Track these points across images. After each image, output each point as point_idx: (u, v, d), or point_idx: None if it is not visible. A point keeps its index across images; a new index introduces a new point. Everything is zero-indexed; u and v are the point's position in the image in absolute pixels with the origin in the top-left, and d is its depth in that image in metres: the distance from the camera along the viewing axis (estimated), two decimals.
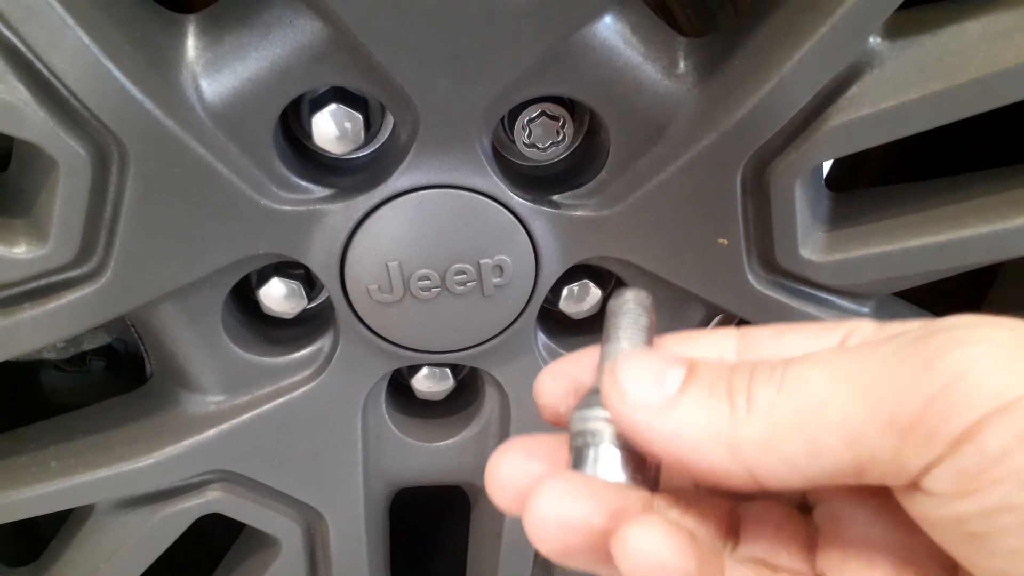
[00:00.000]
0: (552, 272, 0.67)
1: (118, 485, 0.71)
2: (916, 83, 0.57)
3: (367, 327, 0.67)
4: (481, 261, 0.64)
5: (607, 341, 0.44)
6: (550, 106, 0.64)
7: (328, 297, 0.68)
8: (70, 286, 0.61)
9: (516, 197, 0.63)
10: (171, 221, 0.60)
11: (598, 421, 0.40)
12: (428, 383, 0.77)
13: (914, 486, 0.34)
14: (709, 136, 0.59)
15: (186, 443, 0.71)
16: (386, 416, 0.76)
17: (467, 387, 0.79)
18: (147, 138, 0.56)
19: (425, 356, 0.70)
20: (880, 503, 0.39)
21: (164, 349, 0.70)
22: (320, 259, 0.64)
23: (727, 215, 0.63)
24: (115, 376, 0.94)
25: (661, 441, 0.38)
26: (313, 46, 0.56)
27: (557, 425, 0.45)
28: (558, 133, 0.64)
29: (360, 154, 0.65)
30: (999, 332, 0.34)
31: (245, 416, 0.71)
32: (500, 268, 0.65)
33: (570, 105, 0.64)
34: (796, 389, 0.36)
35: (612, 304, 0.45)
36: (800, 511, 0.43)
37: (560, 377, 0.45)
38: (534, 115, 0.64)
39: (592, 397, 0.41)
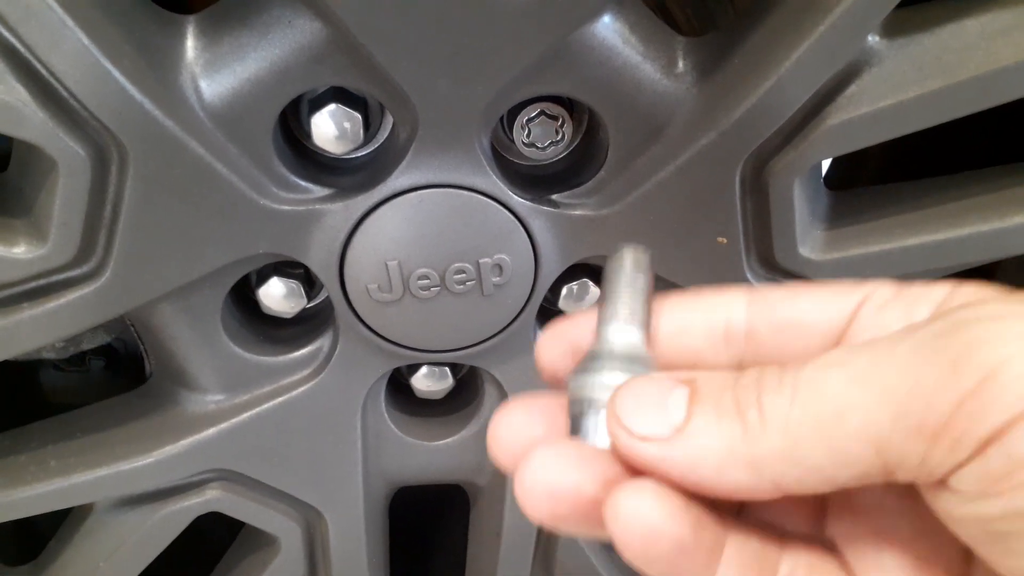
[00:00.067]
0: (551, 271, 0.67)
1: (117, 484, 0.71)
2: (915, 81, 0.57)
3: (366, 326, 0.67)
4: (480, 260, 0.65)
5: (604, 304, 0.43)
6: (549, 105, 0.64)
7: (327, 296, 0.68)
8: (70, 286, 0.61)
9: (515, 196, 0.63)
10: (170, 221, 0.60)
11: (594, 388, 0.40)
12: (427, 382, 0.77)
13: (939, 484, 0.33)
14: (708, 135, 0.59)
15: (185, 442, 0.71)
16: (386, 415, 0.76)
17: (466, 386, 0.79)
18: (146, 138, 0.56)
19: (424, 355, 0.70)
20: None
21: (163, 348, 0.70)
22: (319, 258, 0.64)
23: (726, 214, 0.63)
24: (114, 375, 0.94)
25: (677, 472, 0.36)
26: (312, 46, 0.56)
27: (557, 386, 0.44)
28: (557, 132, 0.64)
29: (359, 154, 0.65)
30: None
31: (244, 415, 0.71)
32: (499, 267, 0.65)
33: (569, 104, 0.64)
34: (812, 396, 0.34)
35: (609, 265, 0.44)
36: None
37: (560, 339, 0.44)
38: (533, 114, 0.64)
39: (588, 363, 0.41)
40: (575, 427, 0.40)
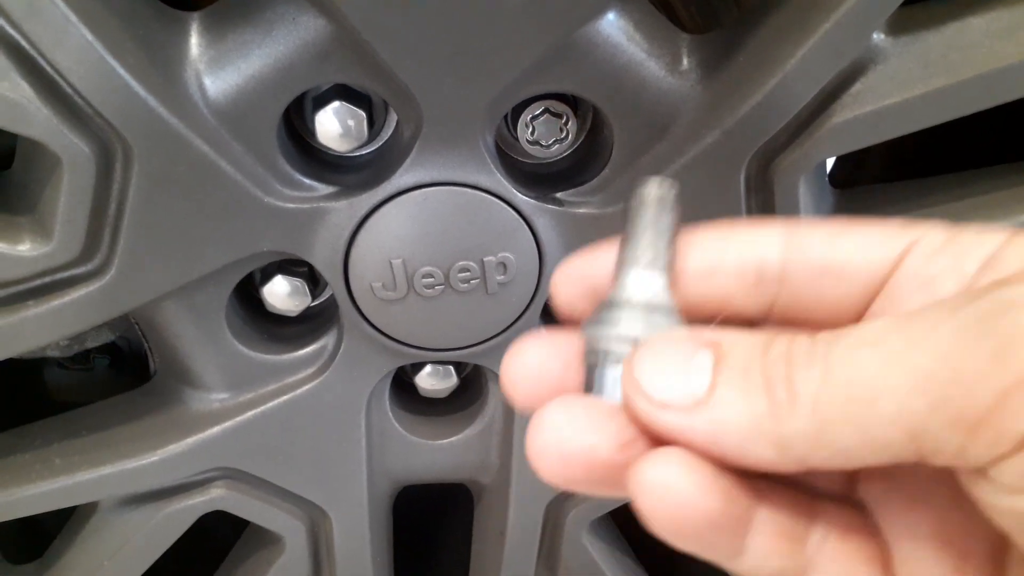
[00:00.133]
0: (555, 269, 0.66)
1: (122, 482, 0.72)
2: (920, 79, 0.57)
3: (371, 324, 0.67)
4: (485, 259, 0.64)
5: (625, 245, 0.40)
6: (553, 103, 0.63)
7: (332, 295, 0.68)
8: (74, 284, 0.61)
9: (520, 195, 0.63)
10: (175, 218, 0.60)
11: (611, 340, 0.37)
12: (432, 381, 0.77)
13: (978, 472, 0.32)
14: (713, 133, 0.59)
15: (190, 440, 0.71)
16: (390, 413, 0.76)
17: (471, 385, 0.79)
18: (151, 135, 0.56)
19: (429, 354, 0.70)
20: None
21: (168, 347, 0.70)
22: (324, 257, 0.64)
23: (731, 212, 0.63)
24: (118, 374, 0.95)
25: (697, 442, 0.34)
26: (316, 43, 0.56)
27: (573, 323, 0.41)
28: (561, 130, 0.64)
29: (363, 151, 0.65)
30: None
31: (249, 413, 0.71)
32: (504, 265, 0.65)
33: (573, 102, 0.64)
34: (843, 377, 0.32)
35: (632, 199, 0.40)
36: None
37: (575, 279, 0.42)
38: (537, 112, 0.64)
39: (605, 311, 0.38)
40: (590, 380, 0.38)
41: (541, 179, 0.66)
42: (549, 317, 0.72)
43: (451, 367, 0.77)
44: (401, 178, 0.62)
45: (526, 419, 0.73)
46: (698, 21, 0.72)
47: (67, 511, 0.77)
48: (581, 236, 0.65)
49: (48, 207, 0.58)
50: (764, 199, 0.62)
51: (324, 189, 0.62)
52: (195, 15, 0.58)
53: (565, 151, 0.66)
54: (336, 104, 0.61)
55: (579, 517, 0.80)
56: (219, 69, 0.57)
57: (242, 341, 0.70)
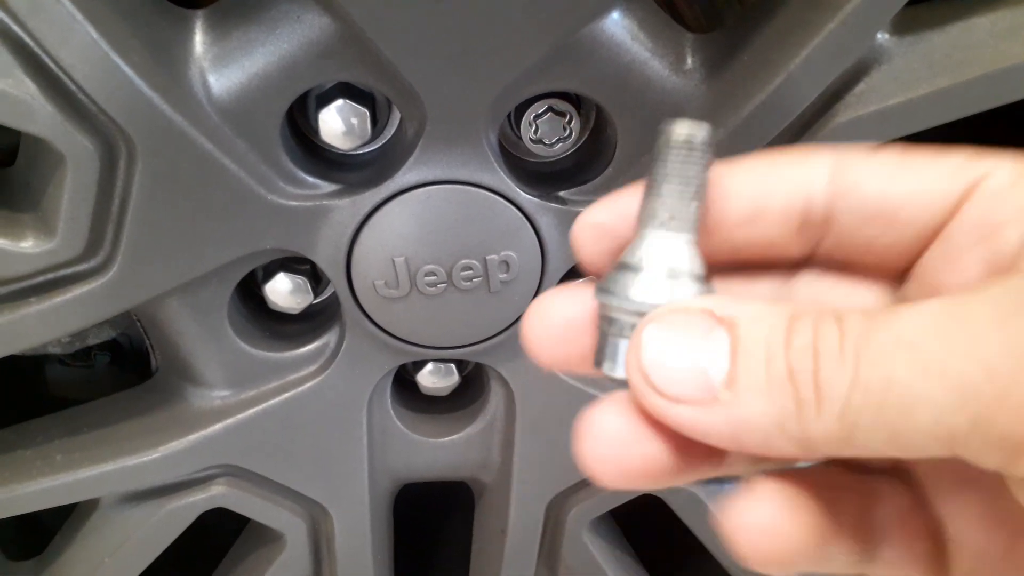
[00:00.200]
0: (558, 268, 0.67)
1: (123, 479, 0.71)
2: (924, 79, 0.57)
3: (373, 322, 0.67)
4: (487, 257, 0.64)
5: (647, 196, 0.36)
6: (557, 102, 0.63)
7: (334, 292, 0.68)
8: (77, 280, 0.61)
9: (523, 193, 0.63)
10: (178, 216, 0.60)
11: (623, 308, 0.34)
12: (433, 379, 0.77)
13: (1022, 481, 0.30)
14: (716, 132, 0.59)
15: (191, 438, 0.71)
16: (391, 412, 0.76)
17: (472, 383, 0.79)
18: (155, 133, 0.56)
19: (431, 352, 0.70)
20: None
21: (170, 344, 0.70)
22: (327, 255, 0.64)
23: None
24: (120, 371, 0.94)
25: (713, 437, 0.32)
26: (320, 42, 0.56)
27: (598, 274, 0.38)
28: (565, 129, 0.64)
29: (367, 150, 0.65)
30: None
31: (250, 411, 0.71)
32: (506, 264, 0.65)
33: (577, 101, 0.64)
34: (875, 382, 0.29)
35: (659, 142, 0.36)
36: None
37: (597, 232, 0.38)
38: (541, 111, 0.63)
39: (620, 273, 0.35)
40: (601, 349, 0.36)
41: (544, 178, 0.66)
42: None
43: (453, 365, 0.77)
44: (404, 176, 0.62)
45: (529, 417, 0.74)
46: (702, 20, 0.72)
47: (67, 508, 0.77)
48: None
49: (51, 204, 0.58)
50: None
51: (327, 187, 0.62)
52: (199, 13, 0.58)
53: (568, 150, 0.66)
54: (339, 102, 0.61)
55: (580, 516, 0.80)
56: (223, 67, 0.57)
57: (244, 338, 0.70)
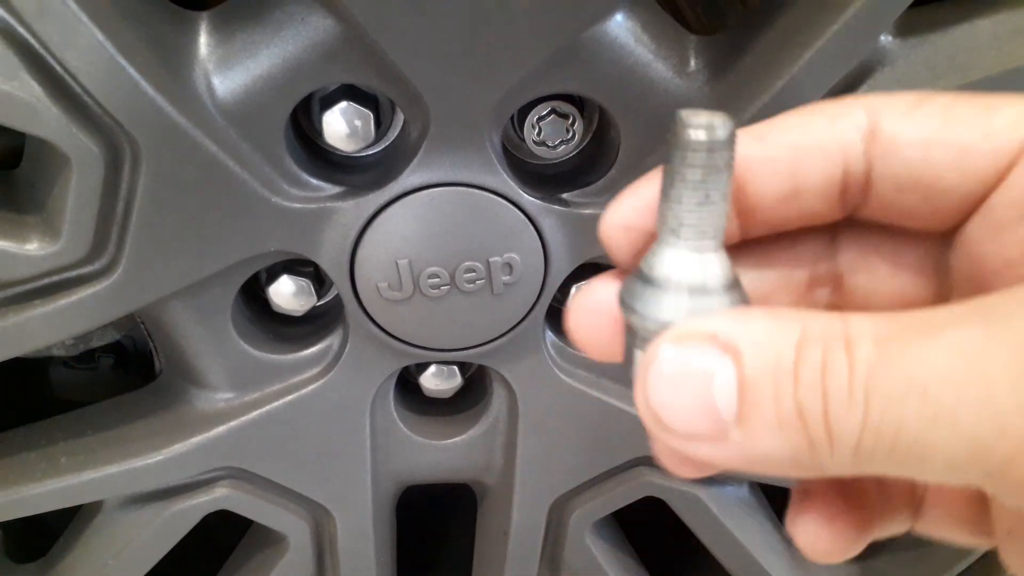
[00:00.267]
0: (561, 270, 0.67)
1: (127, 482, 0.72)
2: (927, 81, 0.57)
3: (376, 325, 0.67)
4: (491, 259, 0.65)
5: (664, 197, 0.33)
6: (560, 104, 0.64)
7: (337, 295, 0.68)
8: (81, 283, 0.61)
9: (526, 195, 0.63)
10: (182, 218, 0.60)
11: (639, 319, 0.33)
12: (436, 381, 0.77)
13: None
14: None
15: (195, 440, 0.71)
16: (394, 414, 0.76)
17: (475, 385, 0.79)
18: (159, 135, 0.56)
19: (434, 354, 0.70)
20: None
21: (174, 346, 0.70)
22: (330, 257, 0.64)
23: None
24: (124, 373, 0.95)
25: (730, 467, 0.31)
26: (325, 43, 0.56)
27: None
28: (568, 131, 0.64)
29: (370, 152, 0.65)
30: None
31: (254, 413, 0.71)
32: (509, 266, 0.65)
33: (580, 103, 0.64)
34: (886, 427, 0.28)
35: (672, 136, 0.32)
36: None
37: (622, 229, 0.37)
38: (544, 113, 0.64)
39: (637, 283, 0.33)
40: (628, 353, 0.34)
41: (547, 180, 0.66)
42: (555, 317, 0.72)
43: (455, 367, 0.77)
44: (408, 178, 0.62)
45: (531, 419, 0.74)
46: (705, 22, 0.72)
47: (71, 510, 0.77)
48: (587, 237, 0.65)
49: (56, 206, 0.58)
50: None
51: (331, 189, 0.63)
52: (204, 15, 0.58)
53: (571, 152, 0.66)
54: (343, 104, 0.61)
55: (582, 518, 0.80)
56: (228, 69, 0.57)
57: (247, 341, 0.70)
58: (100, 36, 0.52)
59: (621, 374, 0.72)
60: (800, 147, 0.35)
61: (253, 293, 0.71)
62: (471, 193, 0.63)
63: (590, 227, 0.65)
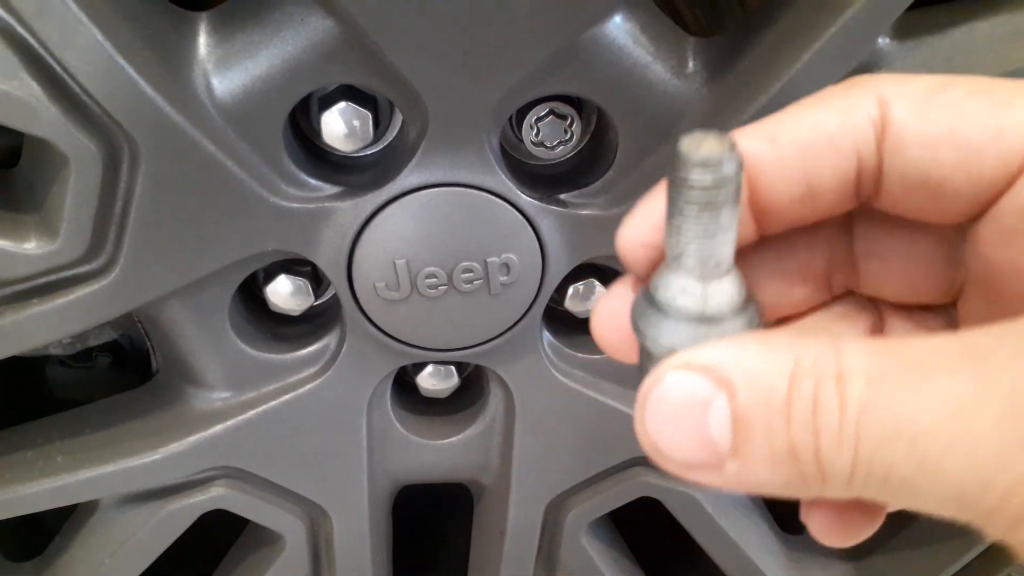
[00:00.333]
0: (559, 271, 0.67)
1: (124, 481, 0.71)
2: None
3: (374, 324, 0.67)
4: (488, 259, 0.65)
5: (669, 224, 0.32)
6: (558, 105, 0.64)
7: (335, 294, 0.68)
8: (79, 282, 0.61)
9: (523, 196, 0.63)
10: (181, 218, 0.60)
11: (655, 341, 0.33)
12: (433, 381, 0.77)
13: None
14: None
15: (192, 439, 0.71)
16: (391, 413, 0.76)
17: (472, 385, 0.79)
18: (158, 135, 0.56)
19: (431, 354, 0.70)
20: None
21: (171, 345, 0.70)
22: (328, 256, 0.64)
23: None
24: (121, 372, 0.95)
25: (731, 488, 0.32)
26: (323, 44, 0.56)
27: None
28: (566, 132, 0.64)
29: (369, 152, 0.65)
30: None
31: (251, 412, 0.71)
32: (507, 266, 0.65)
33: (578, 104, 0.65)
34: (876, 468, 0.28)
35: (674, 162, 0.31)
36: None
37: (637, 245, 0.36)
38: (542, 114, 0.64)
39: (646, 304, 0.33)
40: (642, 367, 0.34)
41: (545, 180, 0.66)
42: (551, 318, 0.72)
43: (452, 367, 0.77)
44: (406, 179, 0.62)
45: (528, 419, 0.74)
46: (703, 24, 0.73)
47: (68, 509, 0.77)
48: (584, 238, 0.65)
49: (54, 206, 0.58)
50: None
51: (329, 189, 0.63)
52: (203, 15, 0.58)
53: (569, 153, 0.66)
54: (342, 104, 0.61)
55: (578, 518, 0.80)
56: (226, 69, 0.57)
57: (245, 340, 0.70)
58: (99, 36, 0.52)
59: (619, 374, 0.73)
60: (811, 146, 0.34)
61: (251, 292, 0.71)
62: (469, 193, 0.63)
63: (588, 228, 0.65)
